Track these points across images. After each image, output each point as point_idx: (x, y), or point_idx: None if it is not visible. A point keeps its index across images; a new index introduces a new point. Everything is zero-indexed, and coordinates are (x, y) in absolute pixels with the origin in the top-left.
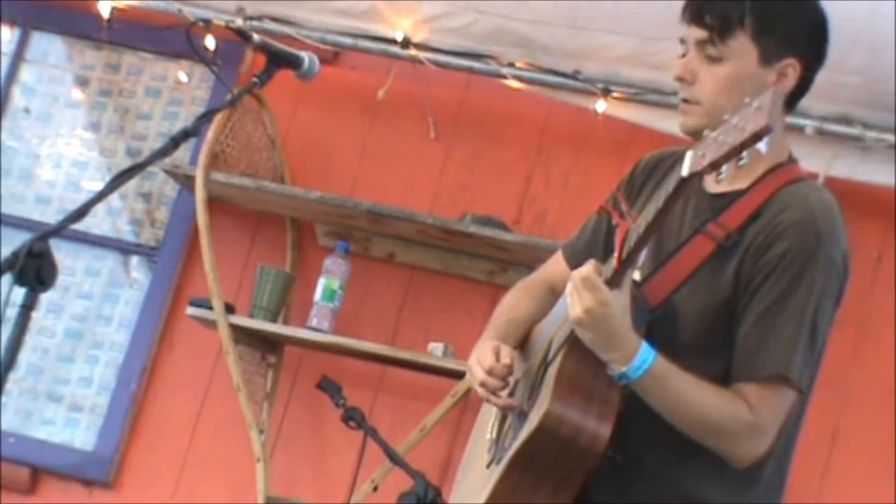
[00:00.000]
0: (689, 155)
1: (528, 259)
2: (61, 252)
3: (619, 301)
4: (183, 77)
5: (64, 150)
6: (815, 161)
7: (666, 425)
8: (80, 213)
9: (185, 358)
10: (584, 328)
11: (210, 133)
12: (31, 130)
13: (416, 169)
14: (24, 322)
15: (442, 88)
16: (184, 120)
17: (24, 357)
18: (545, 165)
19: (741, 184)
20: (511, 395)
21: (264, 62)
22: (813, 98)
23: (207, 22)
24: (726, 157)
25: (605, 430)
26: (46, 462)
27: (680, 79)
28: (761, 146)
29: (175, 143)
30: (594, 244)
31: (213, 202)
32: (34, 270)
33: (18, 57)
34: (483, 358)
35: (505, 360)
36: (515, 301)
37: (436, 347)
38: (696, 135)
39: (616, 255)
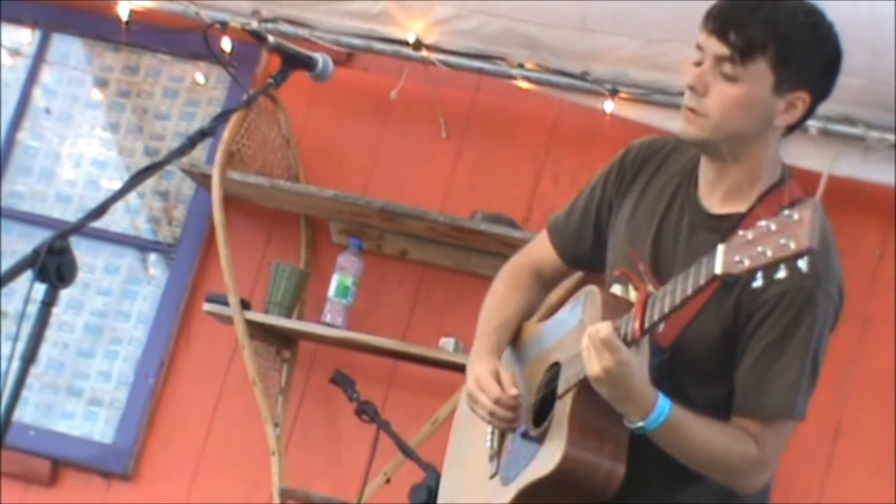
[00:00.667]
0: (720, 251)
1: None
2: (81, 249)
3: (638, 360)
4: (200, 78)
5: (84, 149)
6: (818, 160)
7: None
8: (100, 211)
9: (202, 353)
10: (601, 385)
11: (226, 133)
12: (52, 130)
13: (427, 168)
14: (44, 318)
15: (453, 89)
16: (201, 120)
17: (45, 352)
18: (554, 165)
19: (740, 206)
20: None
21: (279, 64)
22: None
23: (224, 24)
24: (765, 268)
25: (620, 469)
26: (67, 455)
27: (692, 88)
28: (802, 264)
29: (192, 142)
30: (583, 231)
31: (230, 200)
32: (55, 267)
33: (39, 59)
34: (487, 385)
35: (511, 390)
36: (504, 297)
37: (447, 342)
38: (695, 144)
39: (638, 322)
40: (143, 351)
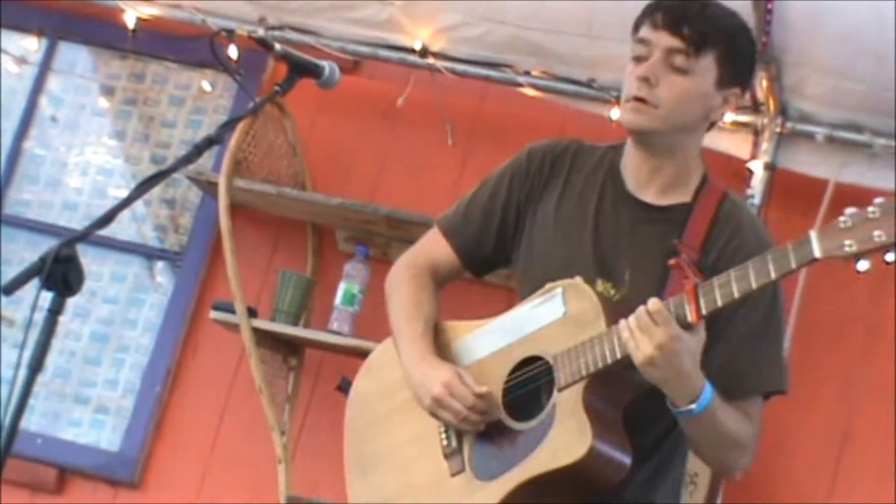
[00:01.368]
0: (814, 236)
1: None
2: (88, 257)
3: (695, 341)
4: (206, 86)
5: (90, 157)
6: (825, 168)
7: (641, 442)
8: (106, 219)
9: (209, 361)
10: (654, 366)
11: (233, 141)
12: (59, 139)
13: (434, 175)
14: (51, 326)
15: (459, 97)
16: (207, 128)
17: (52, 360)
18: None
19: (684, 196)
20: None
21: (286, 71)
22: (823, 105)
23: (230, 32)
24: (880, 250)
25: (628, 462)
26: (73, 463)
27: (644, 79)
28: None
29: (199, 150)
30: (485, 233)
31: (236, 208)
32: (61, 275)
33: (46, 67)
34: (459, 390)
35: (483, 390)
36: (415, 297)
37: None
38: (641, 134)
39: (694, 310)
40: (150, 359)
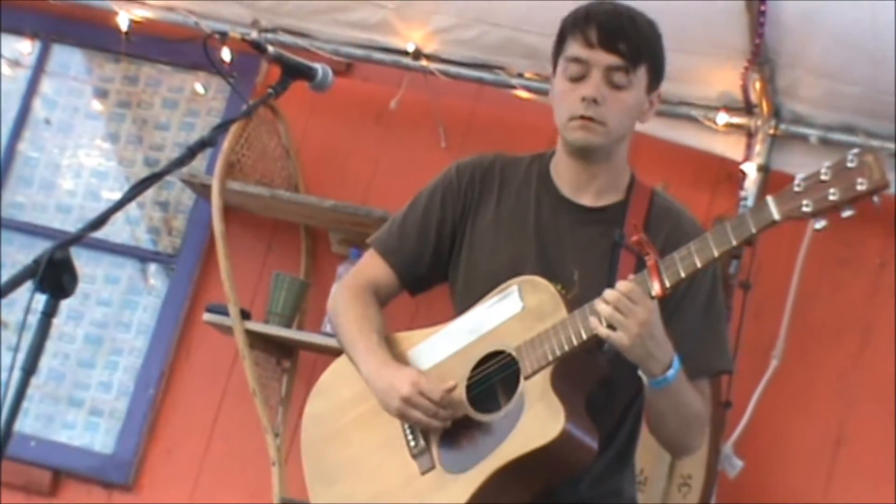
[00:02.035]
0: (771, 201)
1: None
2: (81, 260)
3: (656, 314)
4: (199, 88)
5: (84, 160)
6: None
7: (608, 434)
8: (100, 221)
9: (202, 363)
10: (639, 344)
11: (226, 143)
12: (52, 141)
13: (427, 178)
14: (45, 328)
15: (452, 99)
16: (200, 130)
17: (46, 363)
18: None
19: (616, 196)
20: None
21: (279, 74)
22: (816, 107)
23: (223, 34)
24: (835, 208)
25: (595, 445)
26: (67, 465)
27: (593, 99)
28: (876, 199)
29: (192, 152)
30: (421, 253)
31: (229, 211)
32: (55, 278)
33: (39, 69)
34: (428, 388)
35: (448, 385)
36: (363, 313)
37: None
38: (592, 151)
39: (658, 284)
40: (144, 361)
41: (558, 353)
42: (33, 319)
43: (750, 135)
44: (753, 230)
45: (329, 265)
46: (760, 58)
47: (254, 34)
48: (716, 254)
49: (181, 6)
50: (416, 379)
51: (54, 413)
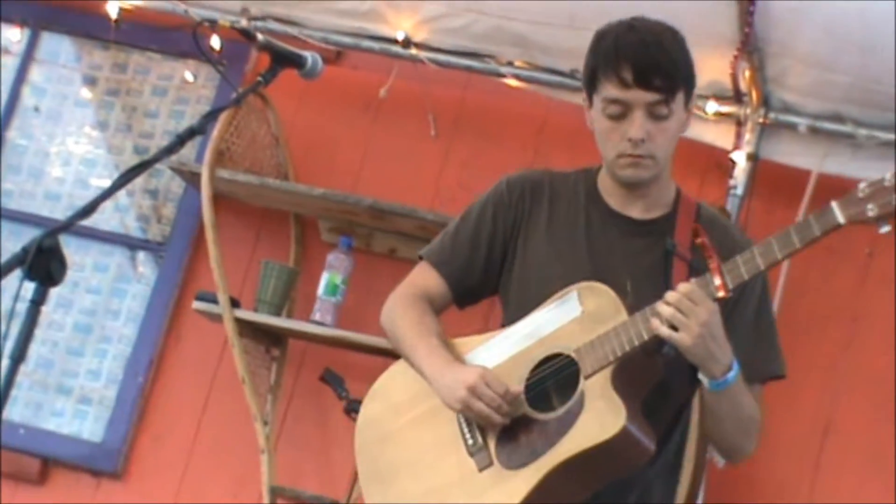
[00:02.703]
0: (836, 206)
1: None
2: (70, 248)
3: (718, 313)
4: (189, 76)
5: (73, 147)
6: (807, 158)
7: (659, 441)
8: (89, 209)
9: (192, 351)
10: (700, 345)
11: (216, 131)
12: (41, 129)
13: (416, 166)
14: (34, 316)
15: (442, 87)
16: (190, 118)
17: (34, 350)
18: (543, 162)
19: (664, 209)
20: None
21: (269, 62)
22: (806, 96)
23: (213, 22)
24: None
25: (652, 446)
26: (56, 453)
27: (641, 140)
28: None
29: (181, 140)
30: (473, 265)
31: (219, 199)
32: (44, 266)
33: (28, 57)
34: (494, 382)
35: (515, 388)
36: (420, 318)
37: None
38: (644, 184)
39: (721, 285)
40: (133, 349)
41: (619, 353)
42: (22, 307)
43: (739, 123)
44: (818, 233)
45: (318, 253)
46: (750, 47)
47: (243, 22)
48: (779, 257)
49: None
50: (482, 371)
51: (43, 401)
